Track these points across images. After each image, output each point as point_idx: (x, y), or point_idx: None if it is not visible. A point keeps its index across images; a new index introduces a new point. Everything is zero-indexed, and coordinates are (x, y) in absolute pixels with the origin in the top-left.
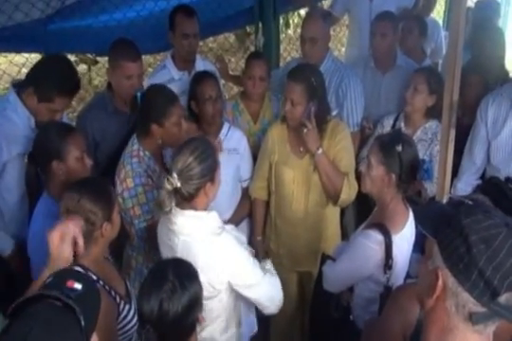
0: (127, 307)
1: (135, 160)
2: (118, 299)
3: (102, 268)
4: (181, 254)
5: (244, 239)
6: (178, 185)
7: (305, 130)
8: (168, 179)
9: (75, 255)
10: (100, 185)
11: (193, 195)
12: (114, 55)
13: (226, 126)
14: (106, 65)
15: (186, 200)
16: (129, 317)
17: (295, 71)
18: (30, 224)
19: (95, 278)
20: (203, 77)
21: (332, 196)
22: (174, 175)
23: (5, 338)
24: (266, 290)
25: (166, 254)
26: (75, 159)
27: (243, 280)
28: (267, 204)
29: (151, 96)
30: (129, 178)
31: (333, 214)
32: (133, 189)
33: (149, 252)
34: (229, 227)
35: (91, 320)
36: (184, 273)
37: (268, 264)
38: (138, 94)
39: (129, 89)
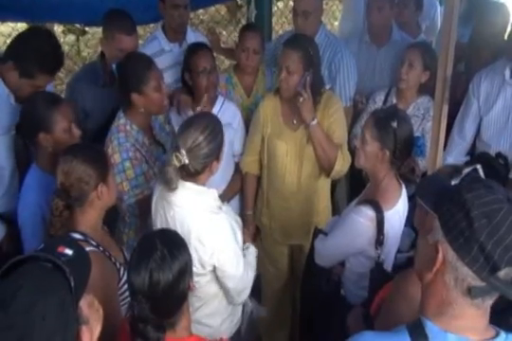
0: (126, 273)
1: (121, 135)
2: (117, 265)
3: (101, 236)
4: (174, 227)
5: (239, 221)
6: (186, 161)
7: (301, 99)
8: (176, 156)
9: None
10: (93, 147)
11: (200, 172)
12: (109, 26)
13: (220, 99)
14: (95, 36)
15: (191, 176)
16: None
17: (292, 39)
18: (20, 195)
19: (94, 243)
20: (197, 48)
21: (326, 168)
22: (183, 152)
23: None
24: (241, 284)
25: (159, 226)
26: (62, 130)
27: (223, 270)
28: (258, 178)
29: (125, 64)
30: (116, 154)
31: (324, 188)
32: (120, 164)
33: (141, 228)
34: (226, 209)
35: (80, 284)
36: (172, 241)
37: (251, 250)
38: (113, 65)
39: None
